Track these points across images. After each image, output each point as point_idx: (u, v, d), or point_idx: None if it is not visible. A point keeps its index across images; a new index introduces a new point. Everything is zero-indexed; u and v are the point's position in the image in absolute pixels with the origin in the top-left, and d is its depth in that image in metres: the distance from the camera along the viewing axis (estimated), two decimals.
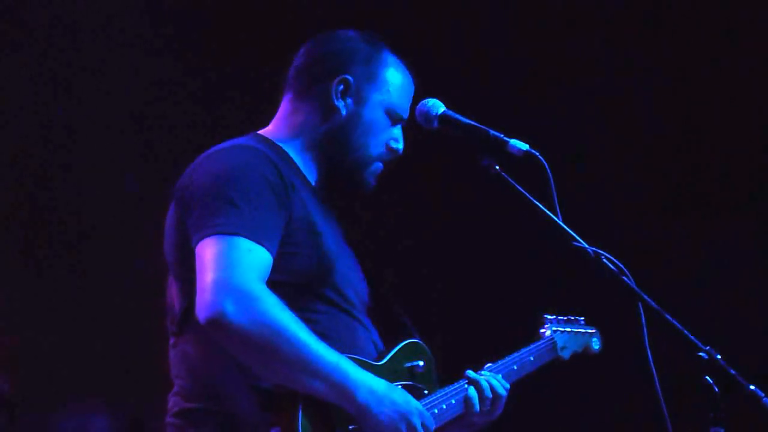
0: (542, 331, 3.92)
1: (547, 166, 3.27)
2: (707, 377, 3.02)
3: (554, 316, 3.98)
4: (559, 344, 3.91)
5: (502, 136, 3.34)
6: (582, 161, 6.01)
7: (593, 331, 4.08)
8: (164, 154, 5.71)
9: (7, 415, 5.06)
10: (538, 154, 3.29)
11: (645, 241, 5.91)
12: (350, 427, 3.06)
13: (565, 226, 3.24)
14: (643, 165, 6.19)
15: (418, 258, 6.10)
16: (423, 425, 3.12)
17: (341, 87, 3.36)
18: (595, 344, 4.08)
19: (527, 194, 3.28)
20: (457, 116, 3.40)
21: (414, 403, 3.13)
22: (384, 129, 3.41)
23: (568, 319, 4.01)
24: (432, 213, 6.15)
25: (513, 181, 3.31)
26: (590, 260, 3.20)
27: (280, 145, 3.34)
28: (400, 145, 3.45)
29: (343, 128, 3.36)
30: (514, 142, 3.32)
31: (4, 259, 5.51)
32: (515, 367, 3.62)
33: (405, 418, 3.08)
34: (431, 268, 6.10)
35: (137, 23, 5.79)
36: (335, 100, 3.36)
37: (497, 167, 3.32)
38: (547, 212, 3.25)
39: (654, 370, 3.22)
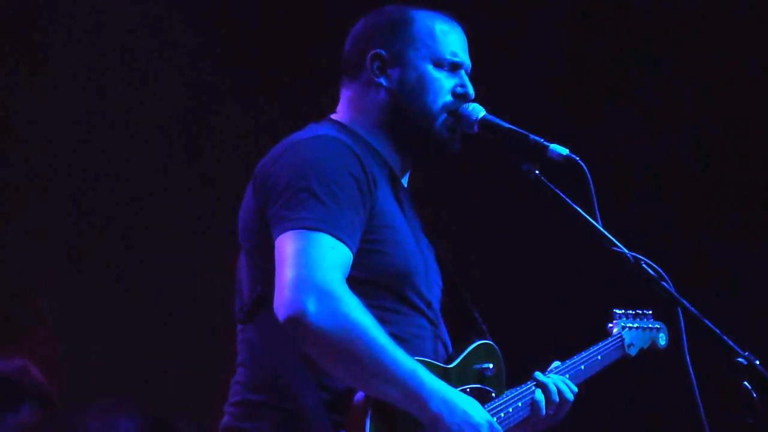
0: (610, 326, 3.86)
1: (587, 171, 3.28)
2: (746, 382, 3.03)
3: (623, 311, 3.91)
4: (627, 341, 3.84)
5: (542, 140, 3.34)
6: (622, 165, 5.99)
7: (660, 326, 3.98)
8: (210, 158, 5.74)
9: (47, 412, 5.09)
10: (578, 158, 3.29)
11: (683, 246, 5.89)
12: None
13: (605, 231, 3.25)
14: (680, 169, 6.17)
15: (476, 257, 6.06)
16: None
17: (376, 63, 3.35)
18: (662, 339, 3.98)
19: (567, 198, 3.29)
20: (498, 120, 3.38)
21: (485, 416, 3.10)
22: (438, 81, 3.35)
23: (636, 314, 3.93)
24: (481, 215, 6.14)
25: (552, 186, 3.32)
26: (629, 265, 3.20)
27: (357, 131, 3.33)
28: (469, 90, 3.38)
29: (396, 100, 3.33)
30: (554, 146, 3.32)
31: (48, 263, 5.56)
32: (582, 367, 3.59)
33: (476, 430, 3.06)
34: (490, 267, 6.07)
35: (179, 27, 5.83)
36: (377, 78, 3.34)
37: (537, 171, 3.33)
38: (587, 217, 3.26)
39: (693, 374, 3.22)
